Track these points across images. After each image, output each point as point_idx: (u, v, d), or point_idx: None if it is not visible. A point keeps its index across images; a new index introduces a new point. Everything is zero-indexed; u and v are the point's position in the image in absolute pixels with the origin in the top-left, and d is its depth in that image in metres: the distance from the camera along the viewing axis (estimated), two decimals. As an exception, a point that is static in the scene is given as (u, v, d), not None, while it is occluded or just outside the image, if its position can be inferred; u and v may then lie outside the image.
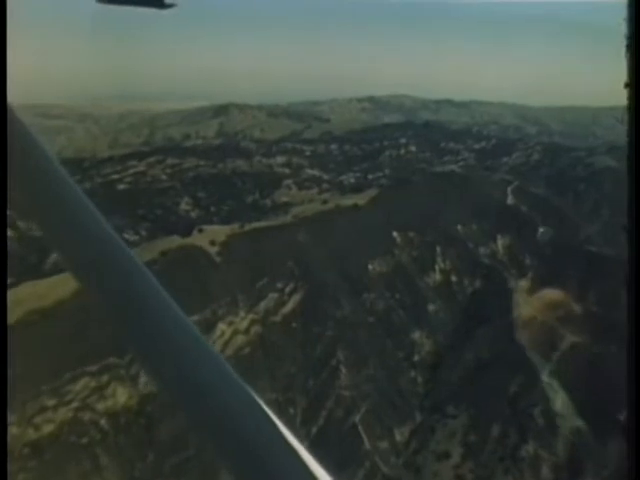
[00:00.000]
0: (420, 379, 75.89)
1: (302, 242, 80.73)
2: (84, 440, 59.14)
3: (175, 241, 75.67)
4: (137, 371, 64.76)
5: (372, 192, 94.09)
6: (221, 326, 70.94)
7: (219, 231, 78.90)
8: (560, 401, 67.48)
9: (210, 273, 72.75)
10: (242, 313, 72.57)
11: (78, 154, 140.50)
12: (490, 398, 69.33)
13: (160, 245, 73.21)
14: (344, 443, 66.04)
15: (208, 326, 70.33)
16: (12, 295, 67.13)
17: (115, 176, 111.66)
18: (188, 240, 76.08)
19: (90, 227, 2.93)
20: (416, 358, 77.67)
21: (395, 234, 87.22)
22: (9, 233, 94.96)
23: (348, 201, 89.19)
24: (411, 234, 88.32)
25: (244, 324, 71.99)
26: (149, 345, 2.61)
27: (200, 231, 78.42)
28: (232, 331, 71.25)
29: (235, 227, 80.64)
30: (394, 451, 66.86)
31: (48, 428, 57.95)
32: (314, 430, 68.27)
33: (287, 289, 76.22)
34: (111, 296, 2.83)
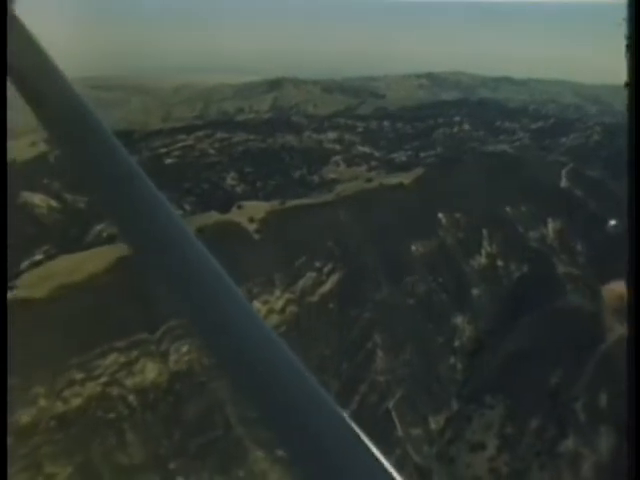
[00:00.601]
0: (459, 366, 72.97)
1: (343, 221, 78.14)
2: (111, 415, 58.17)
3: (213, 217, 74.02)
4: (167, 347, 63.61)
5: (418, 171, 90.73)
6: (256, 304, 69.04)
7: (259, 207, 76.86)
8: (605, 397, 63.84)
9: (247, 250, 70.83)
10: (278, 292, 70.56)
11: (131, 127, 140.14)
12: (530, 389, 66.08)
13: (198, 221, 71.57)
14: (376, 429, 63.70)
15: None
16: (44, 269, 66.63)
17: (163, 150, 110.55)
18: (226, 216, 74.28)
19: (143, 197, 2.93)
20: (456, 344, 74.65)
21: (440, 215, 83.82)
22: (54, 204, 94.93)
23: (393, 180, 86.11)
24: (457, 215, 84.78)
25: (279, 303, 70.04)
26: (199, 312, 2.66)
27: (239, 207, 76.46)
28: (267, 310, 69.35)
29: (275, 204, 78.53)
30: (427, 440, 64.35)
31: (76, 402, 57.09)
32: (346, 415, 66.20)
33: (326, 269, 73.86)
34: (162, 264, 2.81)
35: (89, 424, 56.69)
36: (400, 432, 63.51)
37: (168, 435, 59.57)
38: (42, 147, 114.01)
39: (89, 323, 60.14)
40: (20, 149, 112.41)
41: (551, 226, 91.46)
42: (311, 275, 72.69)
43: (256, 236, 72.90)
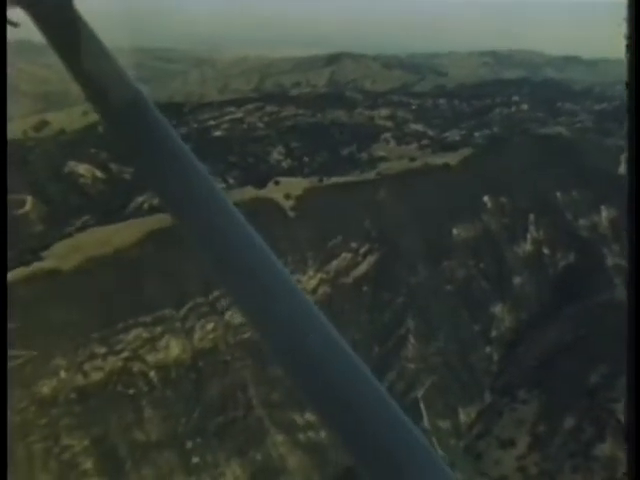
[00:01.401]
0: (495, 356, 68.95)
1: (383, 201, 74.53)
2: (131, 391, 56.71)
3: (249, 192, 71.49)
4: (193, 325, 61.70)
5: (466, 151, 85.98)
6: (286, 283, 66.46)
7: (296, 184, 73.94)
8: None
9: (281, 228, 68.02)
10: (311, 272, 67.72)
11: (187, 98, 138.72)
12: (567, 386, 61.74)
13: (234, 195, 69.16)
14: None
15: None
16: (75, 241, 65.38)
17: (212, 122, 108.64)
18: (262, 192, 71.64)
19: (185, 170, 2.95)
20: (494, 334, 70.48)
21: (486, 198, 79.09)
22: (99, 174, 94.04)
23: (439, 160, 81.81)
24: (503, 199, 79.87)
25: (312, 283, 67.25)
26: (239, 284, 2.64)
27: (276, 183, 73.61)
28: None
29: (314, 181, 75.51)
30: (455, 433, 60.88)
31: (96, 376, 55.77)
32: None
33: (361, 250, 70.60)
34: (202, 233, 2.81)
35: (108, 398, 55.36)
36: (426, 423, 60.19)
37: (187, 413, 57.78)
38: (94, 117, 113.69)
39: (114, 297, 58.67)
40: (71, 118, 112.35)
41: (604, 214, 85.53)
42: (346, 256, 69.61)
43: (291, 213, 70.11)
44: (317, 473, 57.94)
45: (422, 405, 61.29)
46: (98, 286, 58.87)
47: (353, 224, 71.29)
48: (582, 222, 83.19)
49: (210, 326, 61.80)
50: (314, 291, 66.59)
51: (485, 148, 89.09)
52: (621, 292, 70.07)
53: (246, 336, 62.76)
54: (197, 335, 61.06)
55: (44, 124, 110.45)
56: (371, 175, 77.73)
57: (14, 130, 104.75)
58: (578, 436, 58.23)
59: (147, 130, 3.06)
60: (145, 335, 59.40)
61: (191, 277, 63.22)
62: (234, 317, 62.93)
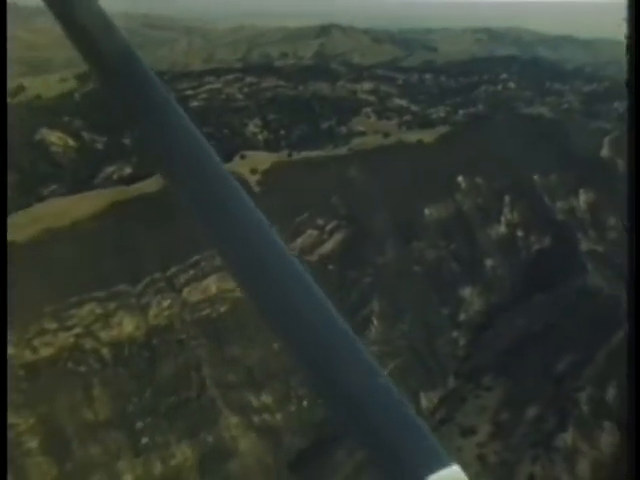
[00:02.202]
0: (462, 341, 66.35)
1: (353, 178, 71.42)
2: (81, 368, 54.03)
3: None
4: (149, 301, 58.91)
5: (442, 129, 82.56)
6: (248, 261, 63.55)
7: (263, 158, 70.68)
8: (613, 391, 56.46)
9: (246, 203, 64.96)
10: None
11: (171, 67, 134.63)
12: (533, 374, 59.23)
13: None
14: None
15: (233, 260, 63.23)
16: (33, 211, 62.33)
17: (190, 92, 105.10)
18: (228, 166, 68.42)
19: (180, 131, 2.94)
20: (462, 317, 67.78)
21: (460, 178, 75.93)
22: (71, 142, 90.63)
23: (413, 137, 78.49)
24: (478, 180, 76.65)
25: (275, 261, 64.38)
26: (230, 246, 2.58)
27: (242, 157, 70.37)
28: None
29: (282, 155, 72.32)
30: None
31: (46, 352, 53.19)
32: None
33: (328, 227, 67.59)
34: (195, 193, 2.74)
35: (57, 376, 52.81)
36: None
37: (139, 393, 55.21)
38: (71, 84, 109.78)
39: (68, 271, 55.78)
40: (48, 85, 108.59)
41: (583, 198, 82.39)
42: (312, 233, 66.66)
43: (257, 188, 66.97)
44: (270, 456, 55.55)
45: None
46: (53, 259, 55.99)
47: (321, 201, 68.33)
48: (560, 205, 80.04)
49: (166, 303, 59.04)
50: (277, 269, 63.72)
51: (463, 126, 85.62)
52: (594, 279, 67.31)
53: (204, 314, 60.14)
54: (152, 312, 58.27)
55: (20, 89, 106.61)
56: (343, 151, 74.45)
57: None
58: (540, 426, 55.86)
59: (141, 86, 2.96)
60: (98, 311, 56.61)
61: (150, 252, 60.46)
62: (191, 294, 60.22)
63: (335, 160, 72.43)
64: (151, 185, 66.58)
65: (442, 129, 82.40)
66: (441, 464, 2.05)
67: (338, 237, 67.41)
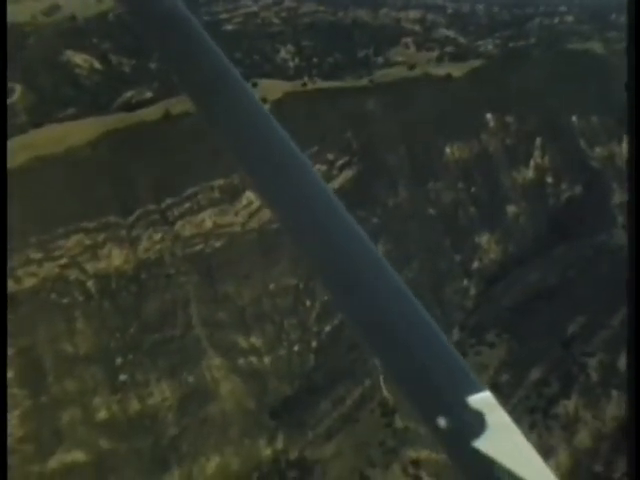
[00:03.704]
0: (473, 291, 60.51)
1: (371, 112, 64.98)
2: (65, 300, 50.92)
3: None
4: (139, 234, 55.01)
5: (475, 63, 74.24)
6: (249, 194, 58.79)
7: (276, 87, 64.77)
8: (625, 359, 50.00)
9: (252, 135, 59.77)
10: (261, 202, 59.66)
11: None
12: (541, 333, 53.24)
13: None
14: (352, 352, 53.70)
15: (233, 194, 58.59)
16: (28, 138, 58.53)
17: (224, 15, 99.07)
18: (236, 94, 62.97)
19: (210, 55, 2.91)
20: (475, 265, 61.73)
21: (489, 116, 68.29)
22: (97, 65, 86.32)
23: (441, 70, 70.79)
24: (509, 118, 68.72)
25: (277, 196, 59.33)
26: (261, 171, 2.57)
27: (254, 85, 64.65)
28: (258, 205, 59.02)
29: (297, 84, 66.32)
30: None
31: (29, 282, 50.23)
32: (327, 329, 56.37)
33: (338, 163, 61.92)
34: (227, 119, 2.74)
35: (39, 307, 49.94)
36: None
37: (122, 328, 52.00)
38: (107, 4, 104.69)
39: (58, 200, 52.16)
40: (86, 4, 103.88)
41: (626, 145, 73.48)
42: (320, 168, 61.11)
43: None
44: (252, 401, 51.92)
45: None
46: (42, 187, 52.36)
47: (333, 134, 62.46)
48: (598, 151, 71.31)
49: (158, 236, 55.05)
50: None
51: (497, 61, 76.95)
52: (620, 235, 59.71)
53: (197, 249, 56.05)
54: (143, 245, 54.46)
55: (55, 8, 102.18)
56: (363, 82, 67.78)
57: (23, 12, 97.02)
58: (542, 390, 50.29)
59: (173, 18, 2.88)
60: (87, 242, 53.10)
61: (145, 183, 56.30)
62: (185, 228, 56.05)
63: (354, 92, 65.99)
64: (153, 113, 62.10)
65: (475, 63, 74.13)
66: (475, 389, 2.13)
67: (348, 174, 61.86)
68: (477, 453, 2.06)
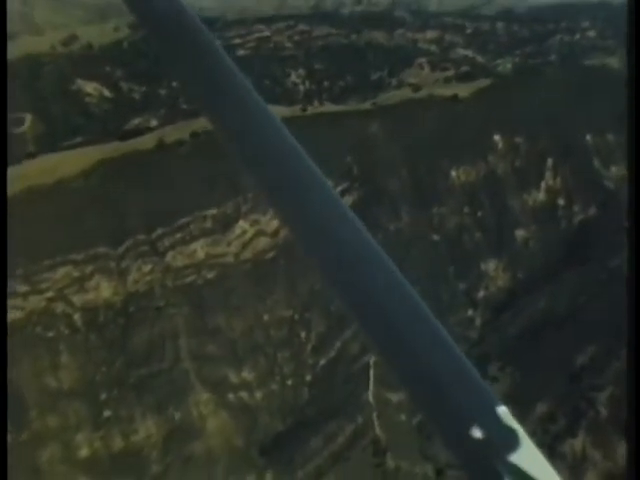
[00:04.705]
0: (478, 321, 57.24)
1: (373, 135, 62.70)
2: (50, 333, 49.55)
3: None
4: (129, 265, 53.39)
5: (483, 82, 71.31)
6: (242, 224, 56.90)
7: (275, 112, 63.08)
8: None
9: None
10: (272, 212, 57.75)
11: (238, 15, 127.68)
12: (548, 366, 49.76)
13: (195, 124, 59.62)
14: (346, 386, 51.02)
15: (225, 223, 56.72)
16: (21, 168, 57.57)
17: (238, 40, 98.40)
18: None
19: (225, 76, 2.95)
20: (481, 294, 58.51)
21: (497, 137, 65.28)
22: (107, 93, 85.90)
23: (447, 91, 68.11)
24: (518, 139, 65.54)
25: (272, 225, 57.33)
26: (277, 188, 2.56)
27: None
28: (255, 232, 57.02)
29: (296, 109, 64.51)
30: (406, 408, 50.36)
31: (14, 315, 49.00)
32: (322, 362, 53.72)
33: (338, 189, 59.74)
34: (239, 133, 2.72)
35: (23, 341, 48.60)
36: (370, 396, 50.07)
37: (108, 362, 50.27)
38: (123, 33, 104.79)
39: (46, 232, 51.00)
40: (102, 33, 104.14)
41: None
42: (319, 195, 58.91)
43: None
44: (241, 438, 49.45)
45: (372, 373, 51.26)
46: (30, 219, 51.19)
47: (333, 160, 60.19)
48: (614, 171, 67.53)
49: (147, 268, 53.37)
50: (274, 234, 56.86)
51: (509, 79, 73.94)
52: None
53: (188, 280, 54.16)
54: (132, 277, 52.83)
55: (74, 38, 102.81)
56: (366, 105, 65.60)
57: (43, 43, 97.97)
58: (548, 427, 46.75)
59: (188, 35, 2.87)
60: (74, 274, 51.77)
61: (135, 212, 54.79)
62: (176, 259, 54.26)
63: (355, 115, 63.87)
64: (148, 141, 60.87)
65: (484, 82, 71.22)
66: (493, 404, 2.21)
67: (348, 200, 59.40)
68: (498, 468, 2.10)
